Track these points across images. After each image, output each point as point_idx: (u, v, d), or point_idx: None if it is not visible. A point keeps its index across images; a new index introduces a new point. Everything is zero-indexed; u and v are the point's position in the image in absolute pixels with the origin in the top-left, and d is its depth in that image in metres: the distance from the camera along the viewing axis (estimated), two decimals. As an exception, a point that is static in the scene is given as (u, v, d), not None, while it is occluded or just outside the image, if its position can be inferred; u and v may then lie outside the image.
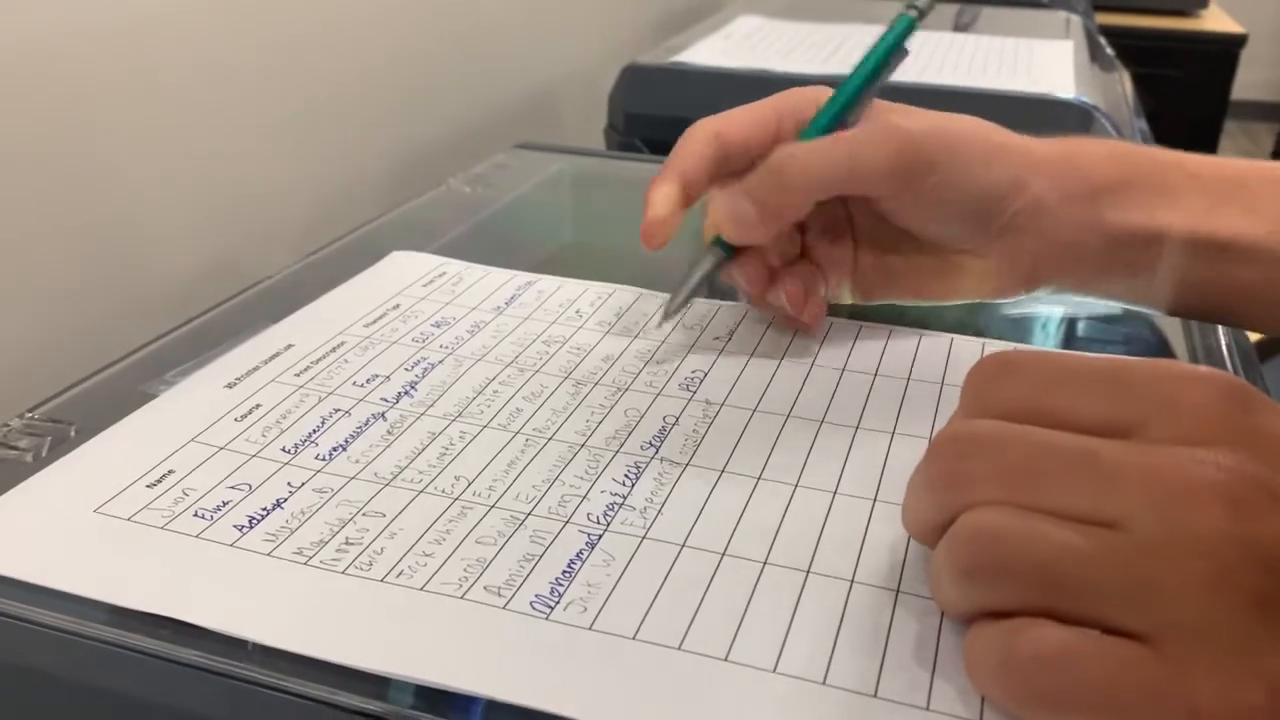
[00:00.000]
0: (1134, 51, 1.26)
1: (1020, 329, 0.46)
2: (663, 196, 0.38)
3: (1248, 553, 0.21)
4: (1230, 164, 0.38)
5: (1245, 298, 0.38)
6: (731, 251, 0.40)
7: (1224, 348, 0.46)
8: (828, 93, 0.40)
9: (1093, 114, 0.77)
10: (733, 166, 0.39)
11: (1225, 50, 2.29)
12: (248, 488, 0.33)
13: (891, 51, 0.40)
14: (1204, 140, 2.28)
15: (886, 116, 0.38)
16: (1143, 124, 0.95)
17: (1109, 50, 1.10)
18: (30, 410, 0.38)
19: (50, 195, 0.50)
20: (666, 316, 0.40)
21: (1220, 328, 0.47)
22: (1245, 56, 2.32)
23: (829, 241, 0.41)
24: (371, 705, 0.25)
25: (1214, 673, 0.21)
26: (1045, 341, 0.46)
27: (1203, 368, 0.25)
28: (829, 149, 0.37)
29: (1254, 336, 0.53)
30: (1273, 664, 0.20)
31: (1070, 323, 0.48)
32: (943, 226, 0.38)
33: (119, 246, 0.54)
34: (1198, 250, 0.37)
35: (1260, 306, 0.38)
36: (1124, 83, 1.01)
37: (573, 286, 0.47)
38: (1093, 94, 0.80)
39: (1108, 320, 0.48)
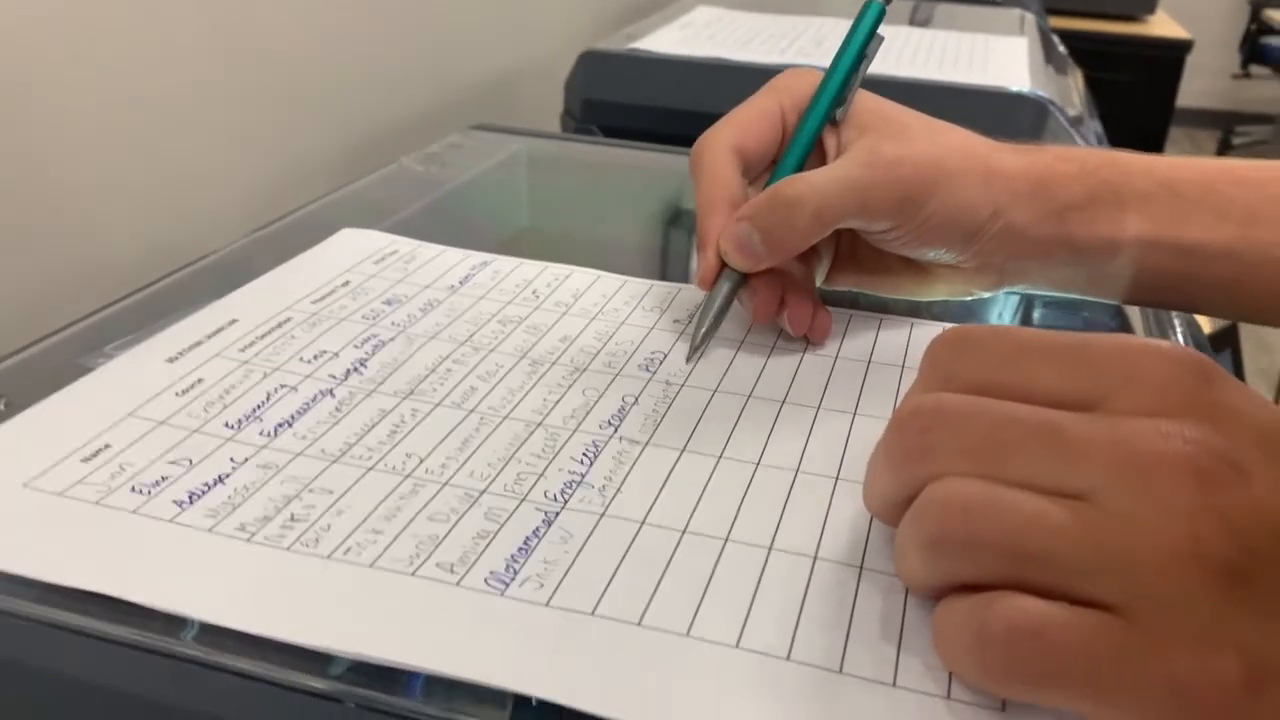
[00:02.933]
0: (1082, 55, 1.28)
1: (976, 315, 0.46)
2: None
3: (1217, 524, 0.21)
4: (1199, 166, 0.38)
5: (1210, 293, 0.39)
6: (743, 275, 0.39)
7: (1179, 337, 0.46)
8: (818, 76, 0.40)
9: (1048, 108, 0.77)
10: (751, 174, 0.40)
11: (1172, 55, 2.33)
12: (188, 463, 0.31)
13: (868, 40, 0.40)
14: (1150, 145, 2.32)
15: (881, 146, 0.37)
16: (1097, 125, 0.96)
17: (1062, 49, 1.12)
18: (-42, 382, 0.36)
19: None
20: (693, 351, 0.38)
21: (1176, 318, 0.47)
22: (1190, 64, 2.37)
23: None
24: (317, 683, 0.24)
25: (1188, 643, 0.20)
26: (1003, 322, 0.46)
27: (1164, 342, 0.25)
28: (837, 190, 0.37)
29: (1207, 328, 0.54)
30: (1245, 633, 0.20)
31: (1029, 307, 0.48)
32: (921, 249, 0.39)
33: (59, 226, 0.52)
34: (1165, 254, 0.37)
35: (1224, 301, 0.39)
36: (1077, 81, 1.02)
37: (530, 267, 0.46)
38: (1048, 89, 0.80)
39: (1067, 306, 0.48)
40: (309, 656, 0.25)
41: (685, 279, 0.45)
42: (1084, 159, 0.39)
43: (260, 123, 0.65)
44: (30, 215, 0.51)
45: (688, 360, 0.38)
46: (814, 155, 0.40)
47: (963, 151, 0.38)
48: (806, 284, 0.40)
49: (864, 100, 0.40)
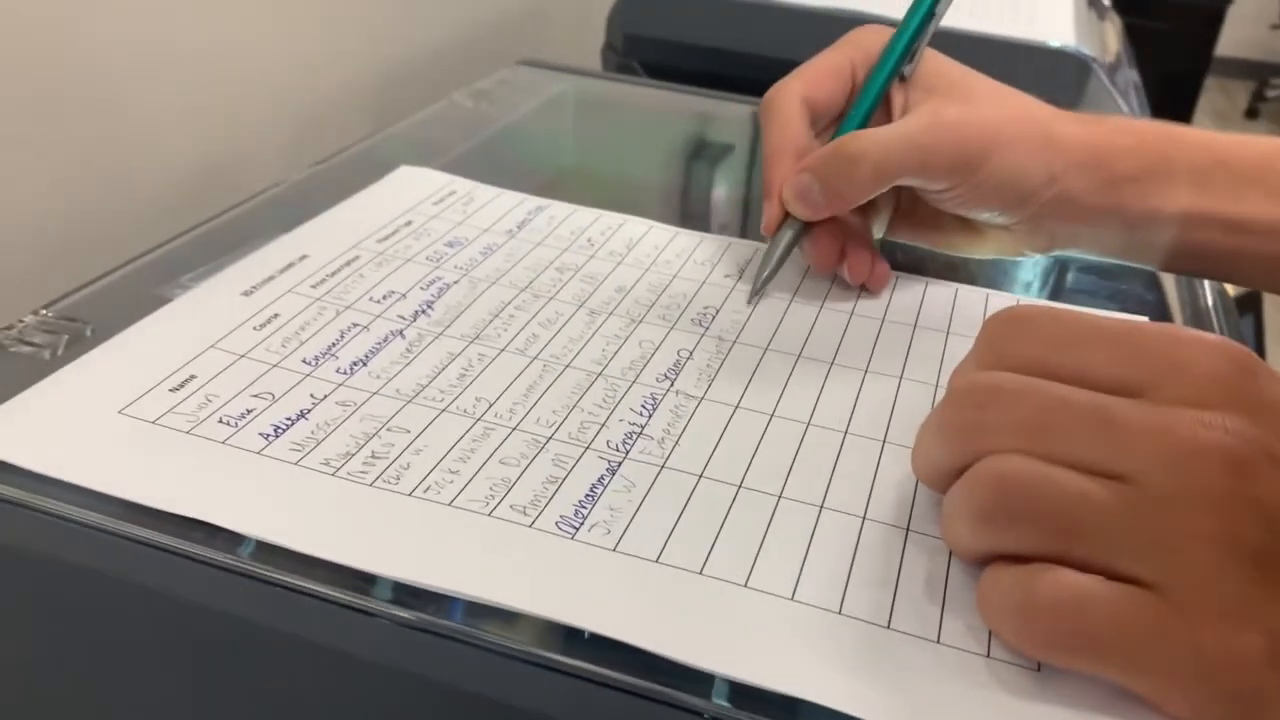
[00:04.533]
0: (1122, 2, 1.26)
1: (1010, 275, 0.48)
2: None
3: (1250, 511, 0.23)
4: (1255, 143, 0.39)
5: (1258, 268, 0.40)
6: (805, 224, 0.41)
7: (1210, 308, 0.48)
8: (888, 33, 0.41)
9: (1090, 66, 0.77)
10: (819, 126, 0.42)
11: (1213, 4, 2.29)
12: (270, 397, 0.33)
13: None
14: (1184, 95, 2.29)
15: (944, 108, 0.39)
16: (1134, 74, 0.96)
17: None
18: (45, 307, 0.38)
19: (41, 98, 0.49)
20: (754, 295, 0.41)
21: (1205, 283, 0.49)
22: (1230, 13, 2.32)
23: None
24: (400, 613, 0.26)
25: (1216, 621, 0.22)
26: (1037, 290, 0.47)
27: (1211, 335, 0.26)
28: (899, 146, 0.38)
29: (1232, 292, 0.56)
30: (1270, 614, 0.22)
31: (1062, 270, 0.50)
32: (976, 209, 0.40)
33: (108, 147, 0.54)
34: (1215, 229, 0.39)
35: (1272, 277, 0.40)
36: (1116, 30, 1.02)
37: (584, 214, 0.47)
38: (1091, 44, 0.80)
39: (1101, 274, 0.49)
40: (379, 584, 0.27)
41: (734, 230, 0.46)
42: (1142, 132, 0.40)
43: (306, 46, 0.66)
44: (93, 137, 0.52)
45: (748, 302, 0.41)
46: (881, 111, 0.41)
47: (1024, 117, 0.39)
48: (865, 236, 0.42)
49: (932, 61, 0.41)
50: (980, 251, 0.44)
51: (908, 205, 0.44)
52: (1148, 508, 0.23)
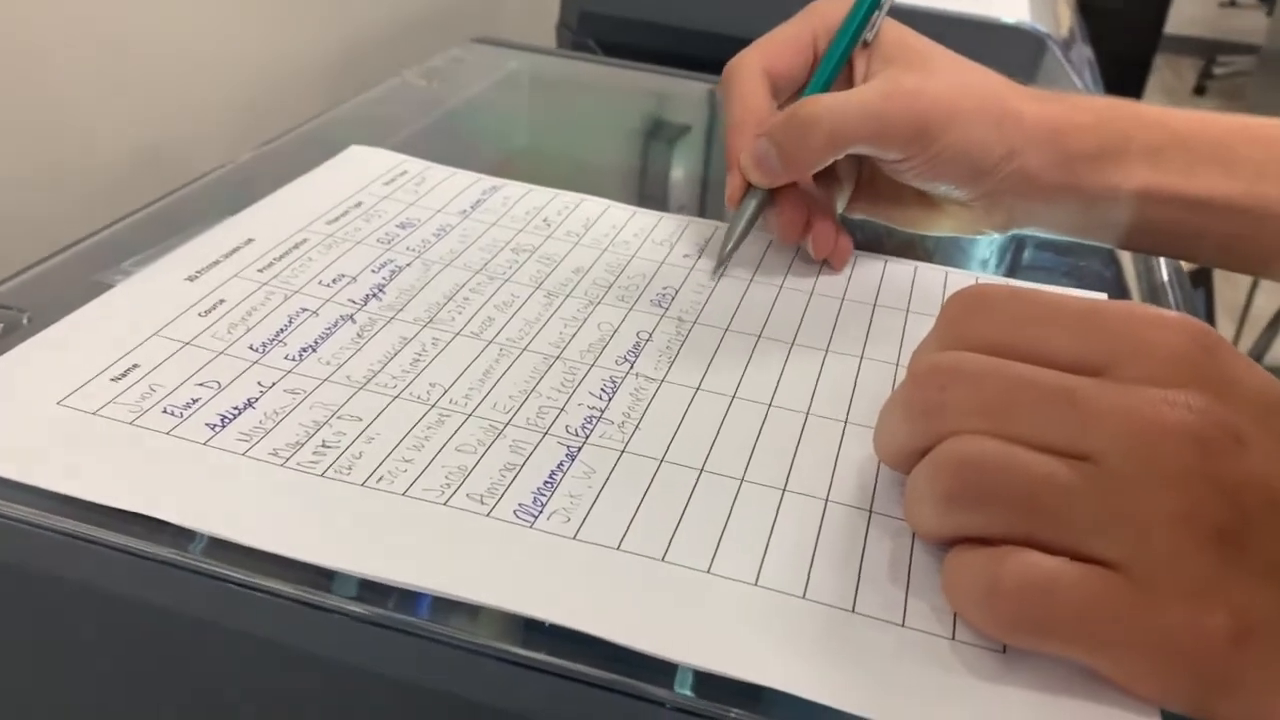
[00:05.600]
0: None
1: (967, 254, 0.48)
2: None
3: (1214, 490, 0.23)
4: (1214, 121, 0.40)
5: (1215, 246, 0.40)
6: (768, 193, 0.41)
7: (1166, 283, 0.48)
8: (849, 3, 0.41)
9: (1045, 41, 0.78)
10: (781, 98, 0.41)
11: (1162, -17, 2.31)
12: (216, 385, 0.32)
13: None
14: (1135, 73, 2.32)
15: (903, 77, 0.39)
16: (1088, 50, 0.97)
17: (1057, -26, 1.11)
18: (-22, 295, 0.36)
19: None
20: (719, 266, 0.41)
21: (1163, 262, 0.49)
22: (1179, -10, 2.35)
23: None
24: (354, 608, 0.25)
25: (1182, 600, 0.22)
26: (995, 268, 0.47)
27: (1172, 313, 0.26)
28: (855, 113, 0.38)
29: (1185, 267, 0.56)
30: (1234, 592, 0.22)
31: (1019, 250, 0.50)
32: (933, 182, 0.40)
33: (51, 129, 0.52)
34: (1172, 206, 0.39)
35: (1228, 255, 0.41)
36: (1070, 7, 1.02)
37: (539, 194, 0.46)
38: (1045, 20, 0.80)
39: (1058, 250, 0.49)
40: (335, 578, 0.26)
41: (693, 210, 0.45)
42: (1100, 109, 0.40)
43: (254, 28, 0.64)
44: (27, 120, 0.50)
45: (712, 275, 0.41)
46: (842, 81, 0.41)
47: (982, 91, 0.39)
48: (830, 209, 0.42)
49: (895, 31, 0.41)
50: (939, 228, 0.44)
51: (868, 179, 0.43)
52: (1112, 487, 0.23)
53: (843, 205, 0.44)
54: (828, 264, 0.42)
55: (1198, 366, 0.24)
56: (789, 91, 0.42)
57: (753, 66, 0.41)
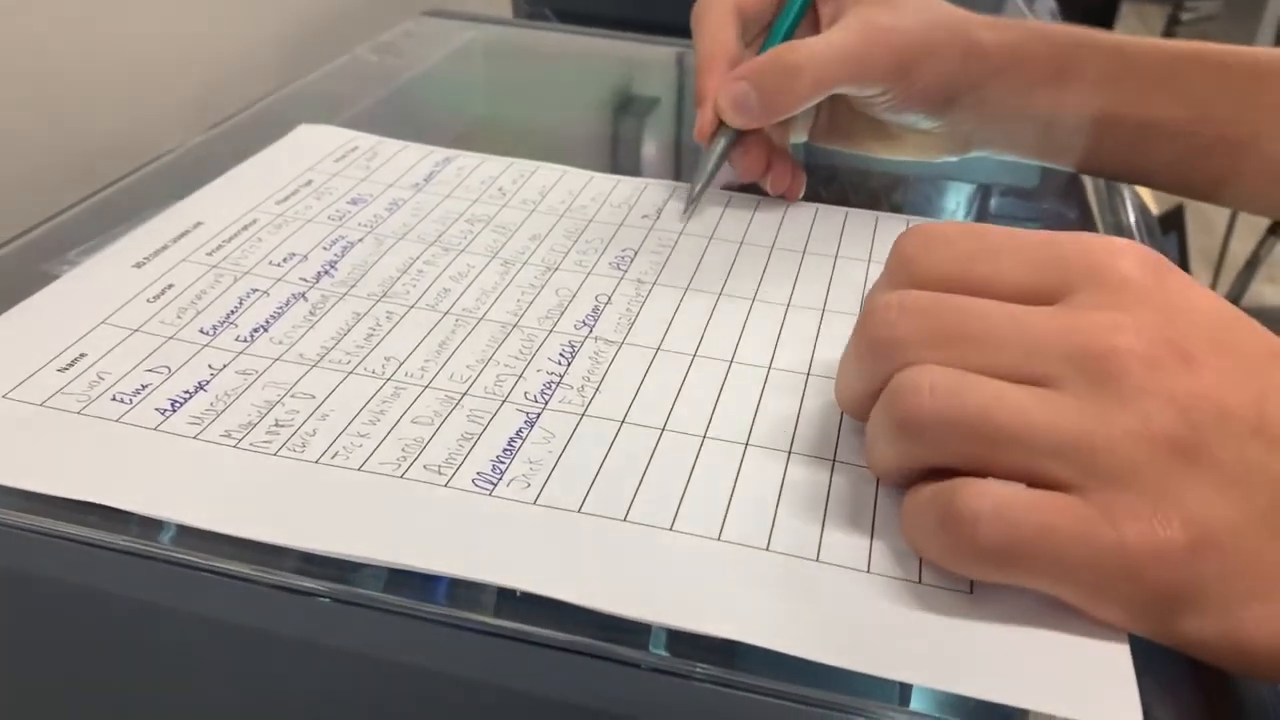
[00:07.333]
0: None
1: (933, 204, 0.47)
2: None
3: (1165, 404, 0.22)
4: (1167, 47, 0.40)
5: (1164, 169, 0.41)
6: (738, 132, 0.41)
7: (1133, 225, 0.48)
8: None
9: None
10: (749, 35, 0.42)
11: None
12: (167, 370, 0.31)
13: None
14: (1100, 20, 2.31)
15: (876, 17, 0.39)
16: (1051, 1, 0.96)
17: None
18: (-80, 291, 0.35)
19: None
20: (690, 204, 0.41)
21: (1127, 201, 0.49)
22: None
23: None
24: (313, 584, 0.25)
25: (1138, 514, 0.22)
26: (963, 215, 0.47)
27: (1121, 240, 0.26)
28: (837, 57, 0.39)
29: (1155, 210, 0.56)
30: (1189, 502, 0.22)
31: (985, 198, 0.49)
32: (903, 114, 0.41)
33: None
34: (1124, 130, 0.40)
35: (1177, 178, 0.42)
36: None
37: (494, 164, 0.45)
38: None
39: (1023, 196, 0.49)
40: (305, 560, 0.25)
41: (647, 171, 0.45)
42: (1056, 36, 0.41)
43: (203, 9, 0.63)
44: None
45: (683, 213, 0.41)
46: (807, 19, 0.42)
47: (947, 24, 0.40)
48: (785, 145, 0.43)
49: None
50: (899, 154, 0.45)
51: (828, 110, 0.44)
52: (1065, 409, 0.23)
53: (803, 136, 0.44)
54: (784, 197, 0.42)
55: (1147, 291, 0.24)
56: (757, 28, 0.42)
57: (722, 3, 0.41)
